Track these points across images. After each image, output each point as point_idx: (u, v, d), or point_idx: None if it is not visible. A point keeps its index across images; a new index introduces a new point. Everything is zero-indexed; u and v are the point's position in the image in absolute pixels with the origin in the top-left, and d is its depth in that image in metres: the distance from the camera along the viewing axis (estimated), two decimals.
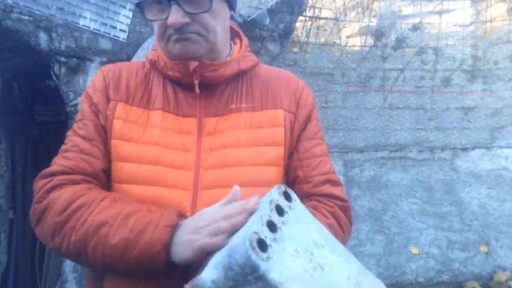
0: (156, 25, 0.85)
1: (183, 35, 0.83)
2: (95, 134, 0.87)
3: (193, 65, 0.86)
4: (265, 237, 0.58)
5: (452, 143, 3.15)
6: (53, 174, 0.84)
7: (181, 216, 0.75)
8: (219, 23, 0.86)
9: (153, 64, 0.92)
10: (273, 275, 0.56)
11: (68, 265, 2.54)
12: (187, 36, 0.83)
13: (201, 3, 0.81)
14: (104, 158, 0.86)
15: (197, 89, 0.87)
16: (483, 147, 3.17)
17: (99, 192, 0.81)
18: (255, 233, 0.57)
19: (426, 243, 3.09)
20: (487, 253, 3.12)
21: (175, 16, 0.80)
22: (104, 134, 0.87)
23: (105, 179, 0.87)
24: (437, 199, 3.11)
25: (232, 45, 0.97)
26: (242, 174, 0.85)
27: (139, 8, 0.85)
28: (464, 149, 3.16)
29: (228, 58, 0.92)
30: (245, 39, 0.98)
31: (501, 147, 3.17)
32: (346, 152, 3.06)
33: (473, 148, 3.17)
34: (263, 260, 0.56)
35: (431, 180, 3.12)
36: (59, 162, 0.86)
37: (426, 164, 3.13)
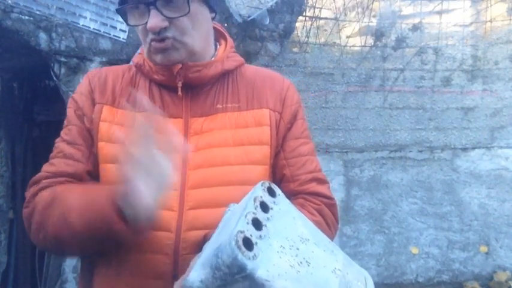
0: (138, 31, 0.86)
1: (163, 44, 0.84)
2: (78, 138, 0.89)
3: (176, 67, 0.87)
4: (251, 235, 0.59)
5: (452, 143, 3.15)
6: (38, 181, 0.88)
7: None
8: (197, 26, 0.87)
9: (139, 68, 0.94)
10: (260, 273, 0.57)
11: (68, 265, 2.54)
12: (167, 45, 0.84)
13: (179, 7, 0.82)
14: (88, 160, 0.89)
15: (179, 91, 0.88)
16: (483, 147, 3.17)
17: (69, 184, 0.85)
18: (241, 232, 0.58)
19: (426, 243, 3.09)
20: (487, 253, 3.12)
21: (154, 20, 0.81)
22: (89, 137, 0.89)
23: (90, 181, 0.89)
24: (437, 199, 3.11)
25: (218, 46, 0.98)
26: (229, 173, 0.86)
27: (120, 14, 0.86)
28: (464, 149, 3.16)
29: (213, 59, 0.93)
30: (230, 40, 0.99)
31: (501, 147, 3.17)
32: (346, 152, 3.06)
33: (473, 148, 3.16)
34: (249, 258, 0.57)
35: (431, 180, 3.12)
36: (44, 169, 0.90)
37: (426, 164, 3.13)
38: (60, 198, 0.81)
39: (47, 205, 0.81)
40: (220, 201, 0.82)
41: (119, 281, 0.83)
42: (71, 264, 2.54)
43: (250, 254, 0.57)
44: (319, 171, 0.96)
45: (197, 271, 0.62)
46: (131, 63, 0.99)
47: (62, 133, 0.92)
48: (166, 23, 0.82)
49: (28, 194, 0.88)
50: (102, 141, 0.87)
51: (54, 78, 2.47)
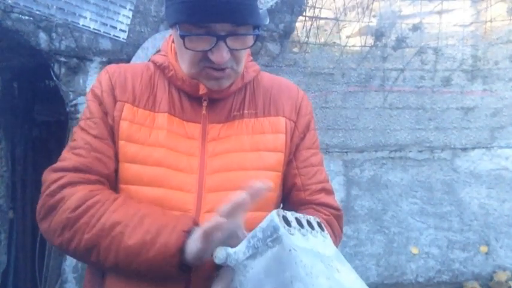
0: (187, 51, 0.83)
1: (222, 73, 0.84)
2: (106, 134, 0.87)
3: (203, 90, 0.88)
4: (290, 219, 0.64)
5: (452, 143, 3.15)
6: (67, 170, 0.84)
7: (196, 223, 0.77)
8: (246, 53, 0.89)
9: (162, 69, 0.93)
10: (290, 240, 0.60)
11: (68, 265, 2.54)
12: (225, 75, 0.85)
13: (245, 40, 0.82)
14: (115, 158, 0.87)
15: (204, 110, 0.90)
16: (483, 147, 3.17)
17: (112, 193, 0.83)
18: (280, 212, 0.64)
19: (426, 243, 3.09)
20: (487, 253, 3.12)
21: (222, 54, 0.80)
22: (112, 134, 0.88)
23: (115, 180, 0.88)
24: (437, 199, 3.11)
25: None
26: (244, 178, 0.87)
27: (182, 38, 0.81)
28: (464, 149, 3.16)
29: None
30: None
31: (501, 147, 3.17)
32: (346, 152, 3.05)
33: (473, 148, 3.16)
34: (284, 227, 0.62)
35: (431, 180, 3.12)
36: (72, 158, 0.85)
37: (426, 164, 3.13)
38: (108, 209, 0.78)
39: (85, 208, 0.78)
40: None
41: (133, 282, 0.81)
42: (71, 264, 2.54)
43: (286, 226, 0.62)
44: (327, 182, 1.00)
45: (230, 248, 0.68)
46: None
47: (84, 125, 0.89)
48: (229, 55, 0.82)
49: (50, 179, 0.83)
50: (122, 140, 0.87)
51: (54, 78, 2.47)
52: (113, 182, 0.87)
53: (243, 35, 0.81)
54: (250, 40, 0.83)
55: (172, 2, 0.81)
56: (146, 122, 0.88)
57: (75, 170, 0.83)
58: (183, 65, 0.88)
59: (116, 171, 0.87)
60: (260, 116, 0.94)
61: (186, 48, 0.81)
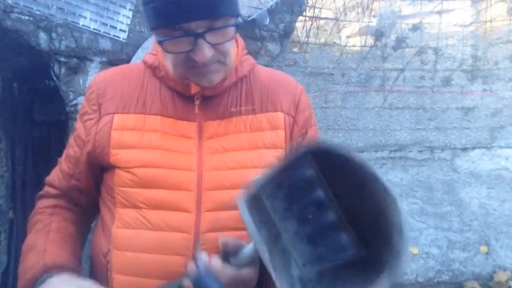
0: (169, 54, 0.82)
1: (209, 68, 0.82)
2: (72, 155, 0.95)
3: (195, 89, 0.87)
4: None
5: (452, 143, 3.15)
6: (45, 184, 1.00)
7: (55, 268, 0.81)
8: (233, 45, 0.87)
9: (152, 69, 0.92)
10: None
11: None
12: (212, 69, 0.83)
13: (225, 33, 0.80)
14: (72, 178, 0.95)
15: (197, 110, 0.89)
16: (483, 147, 3.17)
17: (51, 214, 0.94)
18: None
19: (426, 243, 3.09)
20: (487, 253, 3.11)
21: (204, 52, 0.78)
22: (79, 152, 0.93)
23: (77, 195, 0.97)
24: (437, 199, 3.11)
25: None
26: (244, 176, 0.85)
27: (160, 43, 0.81)
28: (464, 149, 3.16)
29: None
30: (241, 41, 0.97)
31: (501, 147, 3.17)
32: None
33: (473, 148, 3.16)
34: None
35: (431, 180, 3.12)
36: (52, 172, 1.01)
37: (426, 164, 3.13)
38: (33, 230, 0.92)
39: (30, 226, 0.94)
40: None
41: (135, 281, 0.83)
42: None
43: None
44: None
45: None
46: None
47: (69, 140, 0.98)
48: (212, 51, 0.79)
49: (40, 192, 1.00)
50: (115, 149, 0.87)
51: (54, 78, 2.46)
52: (72, 196, 0.97)
53: (222, 28, 0.78)
54: (231, 31, 0.81)
55: (146, 8, 0.79)
56: (138, 125, 0.88)
57: (48, 184, 0.99)
58: (169, 67, 0.87)
59: (74, 188, 0.96)
60: (258, 112, 0.92)
61: (167, 52, 0.80)
